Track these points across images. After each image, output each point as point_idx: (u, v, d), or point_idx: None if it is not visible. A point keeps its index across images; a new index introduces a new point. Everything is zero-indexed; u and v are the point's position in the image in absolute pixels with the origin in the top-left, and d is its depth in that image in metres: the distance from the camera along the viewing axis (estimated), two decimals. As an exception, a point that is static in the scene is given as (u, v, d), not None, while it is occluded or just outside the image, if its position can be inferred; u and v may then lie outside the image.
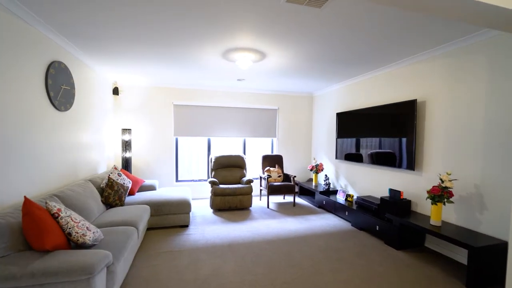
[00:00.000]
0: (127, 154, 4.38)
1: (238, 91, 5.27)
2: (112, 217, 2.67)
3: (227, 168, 4.89)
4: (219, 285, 2.12)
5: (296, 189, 5.60)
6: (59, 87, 2.71)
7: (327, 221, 3.78)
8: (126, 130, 4.39)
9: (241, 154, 5.00)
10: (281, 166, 5.13)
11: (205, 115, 5.16)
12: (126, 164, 4.38)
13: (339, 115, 4.57)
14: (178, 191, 3.86)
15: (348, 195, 3.98)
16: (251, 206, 4.51)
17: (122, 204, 3.21)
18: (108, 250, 1.90)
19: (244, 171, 4.91)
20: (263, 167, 5.08)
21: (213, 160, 4.79)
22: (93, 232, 1.95)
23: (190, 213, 3.67)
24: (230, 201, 4.30)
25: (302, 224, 3.65)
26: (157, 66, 3.59)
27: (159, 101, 4.83)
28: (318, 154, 5.49)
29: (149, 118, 4.79)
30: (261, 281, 2.17)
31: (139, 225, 2.63)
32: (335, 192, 4.59)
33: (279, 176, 4.94)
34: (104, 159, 4.11)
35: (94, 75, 3.68)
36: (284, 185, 4.54)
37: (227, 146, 5.53)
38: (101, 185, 3.17)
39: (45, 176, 2.46)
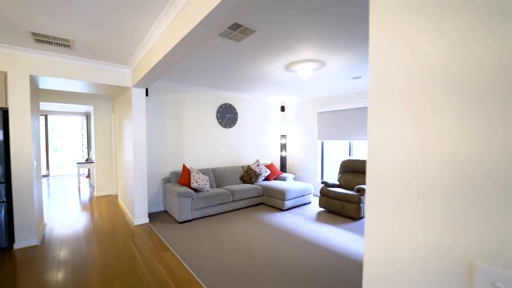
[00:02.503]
0: (283, 154, 6.23)
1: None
2: (236, 186, 4.81)
3: (352, 173, 4.72)
4: (247, 248, 3.36)
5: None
6: (225, 116, 5.46)
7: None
8: (283, 136, 6.26)
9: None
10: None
11: (342, 118, 5.32)
12: (283, 161, 6.24)
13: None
14: (292, 184, 4.93)
15: None
16: (358, 218, 4.07)
17: (251, 183, 5.21)
18: (205, 195, 4.09)
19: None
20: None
21: (340, 164, 4.95)
22: (202, 186, 4.25)
23: (285, 201, 4.61)
24: (332, 204, 4.36)
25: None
26: (297, 89, 5.10)
27: (307, 111, 6.03)
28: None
29: (300, 125, 6.19)
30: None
31: (235, 194, 4.47)
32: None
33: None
34: (261, 155, 6.33)
35: (254, 103, 6.08)
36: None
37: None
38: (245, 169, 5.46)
39: (216, 159, 5.29)
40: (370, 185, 0.63)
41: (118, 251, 2.82)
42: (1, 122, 2.83)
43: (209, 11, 1.50)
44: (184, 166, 4.34)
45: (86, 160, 7.08)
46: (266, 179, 5.52)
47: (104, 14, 2.08)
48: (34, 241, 3.04)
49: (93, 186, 6.39)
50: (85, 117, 7.90)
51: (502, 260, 0.44)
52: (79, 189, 6.53)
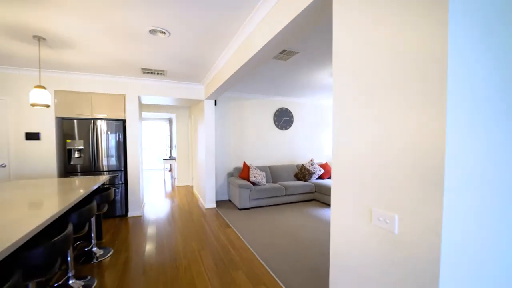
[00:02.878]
0: (337, 153, 6.36)
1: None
2: (290, 182, 5.33)
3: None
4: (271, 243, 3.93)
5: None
6: (281, 119, 6.01)
7: None
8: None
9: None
10: None
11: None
12: (337, 160, 6.37)
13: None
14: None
15: None
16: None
17: (305, 180, 5.62)
18: (261, 188, 4.78)
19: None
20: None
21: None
22: (259, 180, 4.93)
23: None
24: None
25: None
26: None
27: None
28: None
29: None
30: (279, 228, 3.56)
31: (288, 189, 4.99)
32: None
33: None
34: (316, 155, 6.57)
35: (309, 106, 6.41)
36: None
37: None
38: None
39: (273, 157, 5.91)
40: (334, 168, 1.10)
41: (193, 224, 3.72)
42: (122, 129, 4.12)
43: (262, 45, 2.07)
44: (244, 163, 5.10)
45: (169, 157, 8.74)
46: (320, 177, 5.82)
47: (188, 52, 2.91)
48: (139, 213, 4.26)
49: (174, 178, 7.89)
50: (168, 122, 9.70)
51: (381, 206, 0.87)
52: (164, 180, 8.16)
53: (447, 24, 0.75)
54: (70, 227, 1.56)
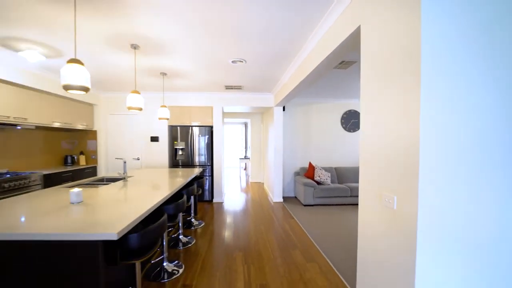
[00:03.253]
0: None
1: None
2: (356, 184, 5.47)
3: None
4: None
5: None
6: (349, 121, 6.13)
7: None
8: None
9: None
10: None
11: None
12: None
13: None
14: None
15: None
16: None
17: (372, 183, 5.58)
18: (325, 188, 5.15)
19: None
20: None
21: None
22: (324, 180, 5.29)
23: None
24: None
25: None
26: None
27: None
28: None
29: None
30: (339, 224, 3.87)
31: (353, 191, 5.13)
32: None
33: None
34: None
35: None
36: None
37: None
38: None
39: (339, 159, 6.10)
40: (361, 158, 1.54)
41: (262, 212, 4.43)
42: (210, 133, 5.26)
43: (319, 61, 2.51)
44: (310, 163, 5.52)
45: (244, 157, 9.91)
46: (389, 181, 5.63)
47: (260, 71, 3.64)
48: (221, 200, 5.31)
49: (248, 175, 8.94)
50: (244, 126, 10.97)
51: (387, 190, 1.30)
52: (240, 177, 9.35)
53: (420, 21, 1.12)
54: (184, 198, 2.46)
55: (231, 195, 5.99)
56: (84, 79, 1.67)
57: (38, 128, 4.22)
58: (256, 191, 6.47)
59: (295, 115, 5.93)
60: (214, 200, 5.32)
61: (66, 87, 1.65)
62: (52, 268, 1.27)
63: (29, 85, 3.46)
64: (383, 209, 1.41)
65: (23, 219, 1.43)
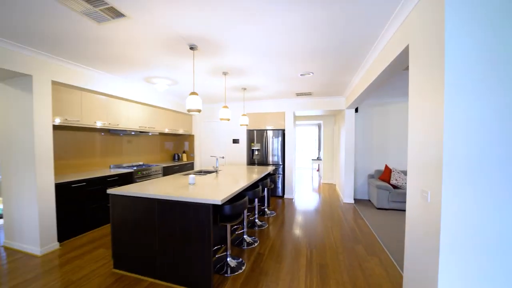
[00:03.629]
0: None
1: None
2: None
3: None
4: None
5: None
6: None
7: None
8: None
9: None
10: None
11: None
12: None
13: None
14: None
15: None
16: None
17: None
18: (402, 192, 5.02)
19: None
20: None
21: None
22: (401, 184, 5.12)
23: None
24: None
25: None
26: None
27: None
28: None
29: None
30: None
31: None
32: None
33: None
34: None
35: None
36: None
37: None
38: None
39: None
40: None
41: (330, 210, 4.71)
42: (282, 135, 5.90)
43: (386, 66, 2.77)
44: (386, 166, 5.41)
45: (317, 158, 10.13)
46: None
47: (327, 79, 4.01)
48: (291, 196, 5.86)
49: (321, 177, 9.13)
50: (317, 127, 11.15)
51: (425, 187, 1.60)
52: (312, 177, 9.63)
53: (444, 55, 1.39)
54: (259, 187, 3.14)
55: (302, 193, 6.45)
56: (198, 104, 2.57)
57: (160, 134, 5.84)
58: (326, 192, 6.71)
59: (369, 116, 5.87)
60: (285, 196, 5.91)
61: (189, 110, 2.58)
62: (186, 220, 2.12)
63: (155, 104, 4.93)
64: (421, 202, 1.66)
65: (170, 190, 2.38)
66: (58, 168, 3.53)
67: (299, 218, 4.25)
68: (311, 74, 3.65)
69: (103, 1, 1.84)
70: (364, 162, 5.90)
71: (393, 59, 2.28)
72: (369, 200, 5.69)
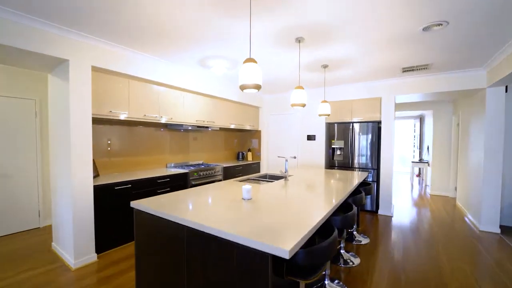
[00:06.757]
0: None
1: None
2: None
3: None
4: None
5: None
6: None
7: None
8: None
9: None
10: None
11: None
12: None
13: None
14: None
15: None
16: None
17: None
18: None
19: None
20: None
21: None
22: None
23: None
24: None
25: None
26: None
27: None
28: None
29: None
30: None
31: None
32: None
33: None
34: None
35: None
36: None
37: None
38: None
39: None
40: None
41: (464, 247, 3.13)
42: (376, 130, 4.50)
43: None
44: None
45: (419, 160, 7.97)
46: None
47: (467, 37, 2.53)
48: (389, 213, 4.41)
49: (427, 185, 7.07)
50: (418, 120, 8.86)
51: None
52: (411, 185, 7.60)
53: None
54: (354, 210, 2.07)
55: (402, 208, 4.87)
56: (256, 77, 1.71)
57: (221, 129, 5.35)
58: (441, 208, 4.90)
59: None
60: (380, 212, 4.51)
61: (242, 87, 1.75)
62: (226, 265, 1.31)
63: (215, 95, 4.39)
64: None
65: (207, 212, 1.63)
66: (104, 167, 3.31)
67: (408, 251, 2.91)
68: (444, 24, 2.27)
69: None
70: (515, 169, 3.92)
71: None
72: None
